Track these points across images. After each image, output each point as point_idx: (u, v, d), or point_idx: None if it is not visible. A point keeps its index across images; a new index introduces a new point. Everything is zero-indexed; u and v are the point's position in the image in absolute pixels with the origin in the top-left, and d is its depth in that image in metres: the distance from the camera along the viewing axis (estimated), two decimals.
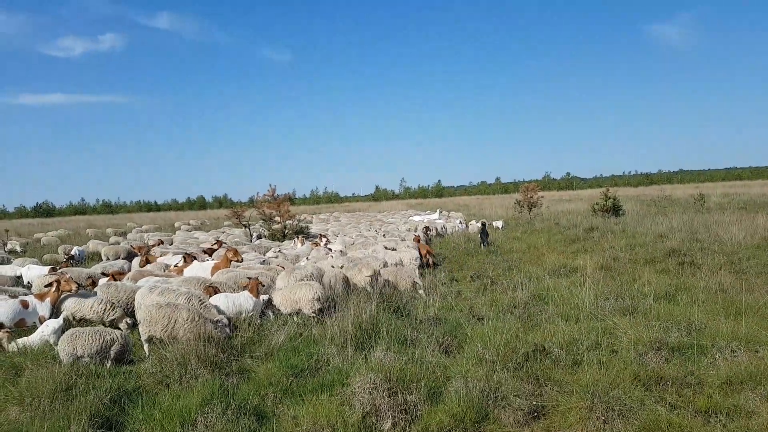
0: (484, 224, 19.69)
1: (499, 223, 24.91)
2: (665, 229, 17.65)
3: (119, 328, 8.25)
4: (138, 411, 5.38)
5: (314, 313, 8.40)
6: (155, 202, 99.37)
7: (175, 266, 12.99)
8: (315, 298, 8.38)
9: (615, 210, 23.91)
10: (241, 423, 4.99)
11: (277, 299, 8.80)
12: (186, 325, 7.18)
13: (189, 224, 36.60)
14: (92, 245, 21.03)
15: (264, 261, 13.25)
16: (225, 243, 18.45)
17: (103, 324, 8.31)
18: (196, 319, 7.24)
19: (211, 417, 5.03)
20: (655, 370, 5.77)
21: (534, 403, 5.30)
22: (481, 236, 18.69)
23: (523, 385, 5.61)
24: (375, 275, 10.50)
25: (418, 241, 15.89)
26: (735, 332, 6.69)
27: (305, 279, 9.48)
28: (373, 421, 5.13)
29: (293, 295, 8.64)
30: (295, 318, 8.55)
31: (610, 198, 24.29)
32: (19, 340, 7.37)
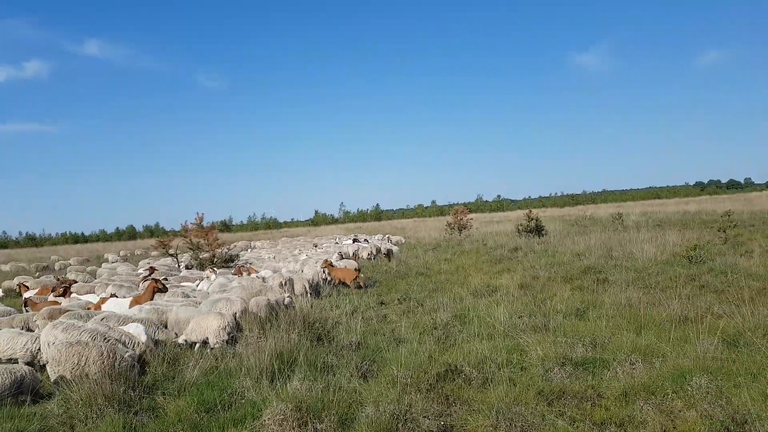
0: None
1: (394, 248, 25.17)
2: (583, 247, 18.54)
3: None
4: None
5: (219, 343, 8.21)
6: (82, 234, 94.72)
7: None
8: (222, 327, 8.22)
9: (538, 230, 25.01)
10: None
11: (190, 326, 8.54)
12: (98, 362, 6.87)
13: (119, 255, 35.20)
14: (17, 281, 19.93)
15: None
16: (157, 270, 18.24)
17: (32, 365, 7.86)
18: (108, 355, 6.93)
19: None
20: (558, 385, 6.01)
21: (442, 423, 5.40)
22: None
23: (433, 405, 5.71)
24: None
25: (330, 266, 16.07)
26: (636, 345, 7.06)
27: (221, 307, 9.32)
28: None
29: (203, 323, 8.43)
30: (207, 350, 8.29)
31: (532, 219, 25.43)
32: None
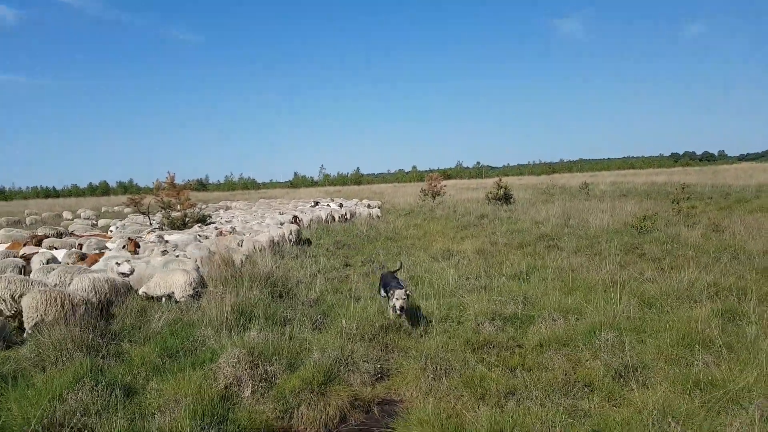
0: None
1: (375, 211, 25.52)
2: (544, 216, 19.34)
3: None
4: (10, 392, 5.65)
5: (185, 297, 8.74)
6: (54, 188, 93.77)
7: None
8: (188, 283, 8.75)
9: (506, 198, 25.78)
10: (110, 397, 5.41)
11: (154, 281, 9.07)
12: (52, 310, 7.39)
13: (93, 212, 35.26)
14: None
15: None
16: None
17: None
18: (62, 303, 7.45)
19: (81, 393, 5.41)
20: (485, 336, 6.76)
21: (379, 366, 6.14)
22: None
23: (374, 352, 6.44)
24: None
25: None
26: (562, 304, 7.82)
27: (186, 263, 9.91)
28: (235, 390, 5.71)
29: (169, 278, 8.94)
30: (173, 303, 8.80)
31: (501, 187, 26.18)
32: None
